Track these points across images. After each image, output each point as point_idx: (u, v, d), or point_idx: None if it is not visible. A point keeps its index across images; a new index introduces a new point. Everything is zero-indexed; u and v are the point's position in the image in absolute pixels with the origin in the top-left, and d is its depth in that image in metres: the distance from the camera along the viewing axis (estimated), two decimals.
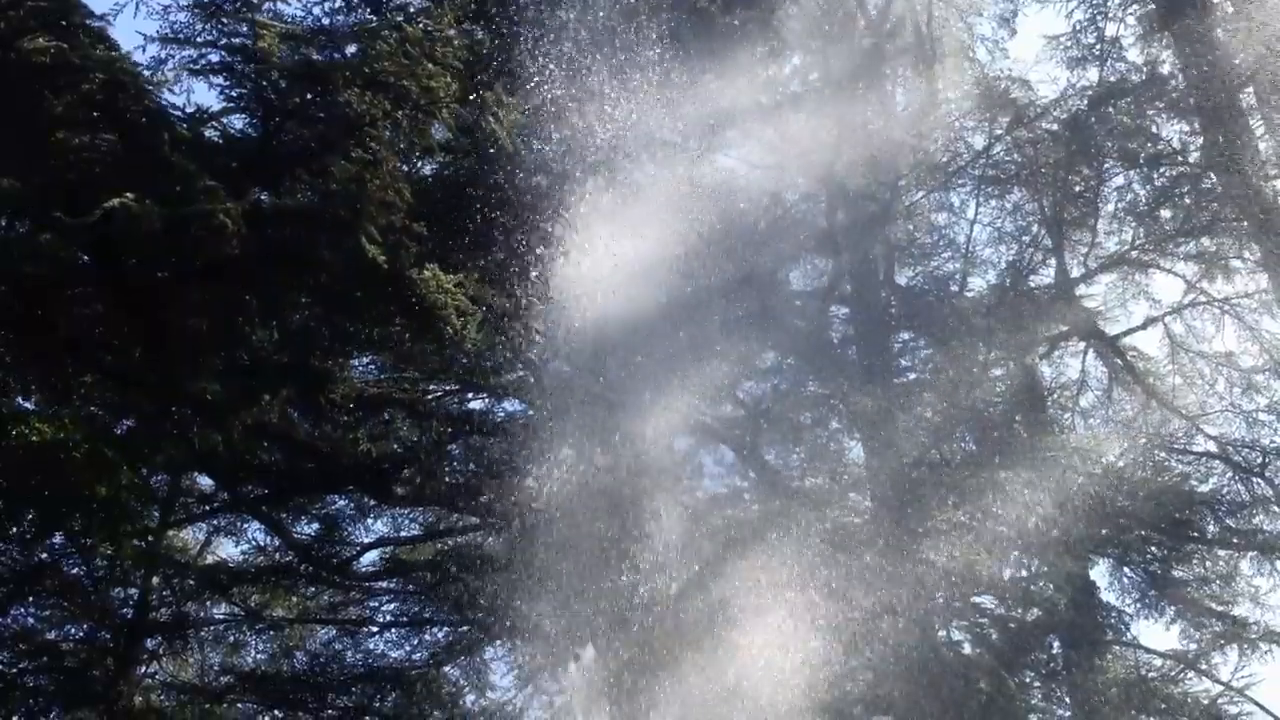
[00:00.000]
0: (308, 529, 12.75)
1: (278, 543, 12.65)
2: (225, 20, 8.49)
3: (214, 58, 8.37)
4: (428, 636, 13.45)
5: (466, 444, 11.97)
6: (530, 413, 11.45)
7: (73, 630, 11.75)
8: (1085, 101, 15.02)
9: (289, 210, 7.59)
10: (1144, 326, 15.11)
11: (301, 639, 13.46)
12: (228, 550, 13.28)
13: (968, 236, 15.79)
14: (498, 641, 13.35)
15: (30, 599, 11.20)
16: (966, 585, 12.87)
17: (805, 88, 15.60)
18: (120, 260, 7.18)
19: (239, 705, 12.81)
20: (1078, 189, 14.84)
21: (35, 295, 7.17)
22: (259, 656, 13.47)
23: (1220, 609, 13.87)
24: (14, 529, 9.43)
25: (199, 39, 8.41)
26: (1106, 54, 15.85)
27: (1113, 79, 15.61)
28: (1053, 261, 15.32)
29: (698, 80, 10.94)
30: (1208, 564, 14.13)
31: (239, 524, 12.73)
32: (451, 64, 8.19)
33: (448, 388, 12.10)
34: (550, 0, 9.90)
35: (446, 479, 11.43)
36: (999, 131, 15.45)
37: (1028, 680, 13.73)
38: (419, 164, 9.26)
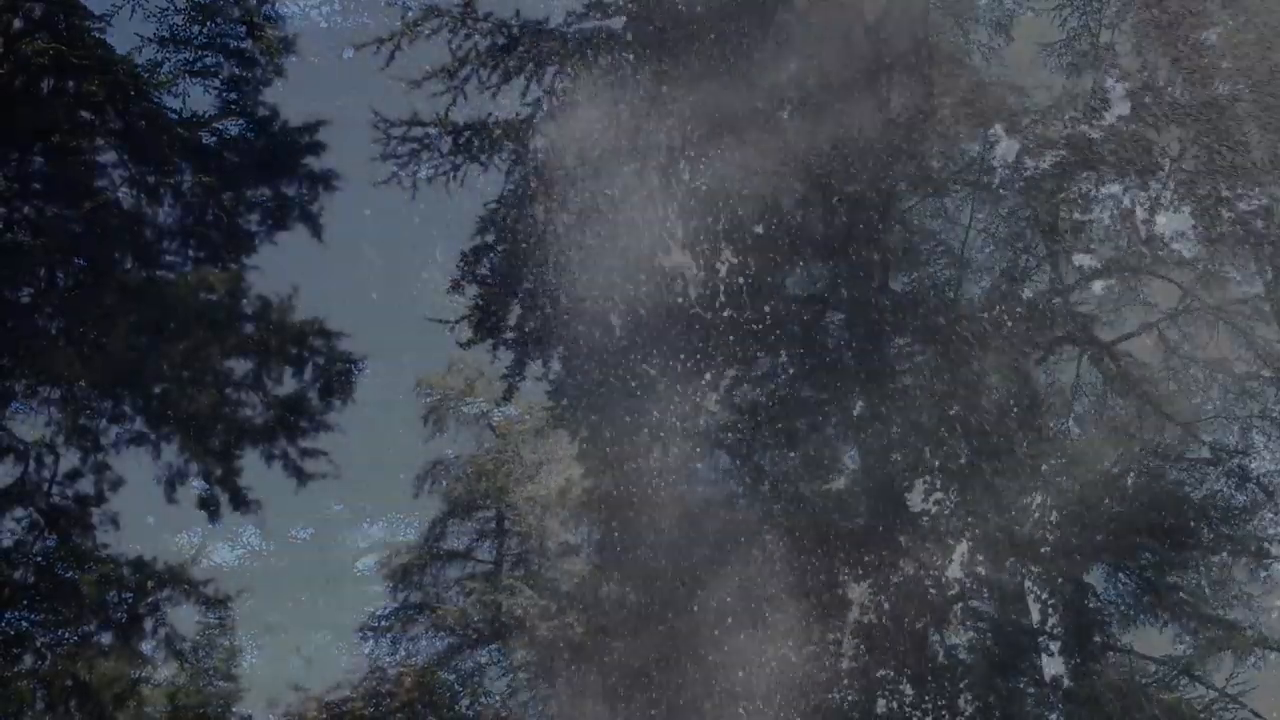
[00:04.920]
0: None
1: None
2: (221, 21, 8.49)
3: (210, 60, 8.38)
4: (423, 641, 13.45)
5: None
6: (526, 418, 11.46)
7: (66, 635, 11.70)
8: (1079, 108, 15.03)
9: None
10: (1138, 333, 15.14)
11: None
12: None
13: (962, 242, 15.80)
14: (492, 646, 13.34)
15: (24, 604, 11.16)
16: (961, 590, 12.89)
17: (802, 93, 15.58)
18: (115, 257, 7.18)
19: (234, 710, 12.80)
20: (1072, 195, 14.84)
21: (36, 295, 7.16)
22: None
23: (1215, 614, 13.88)
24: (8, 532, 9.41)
25: (196, 41, 8.41)
26: (1101, 61, 15.87)
27: (1106, 86, 15.63)
28: (1047, 268, 15.34)
29: (694, 86, 10.95)
30: (1202, 570, 14.16)
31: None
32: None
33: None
34: (546, 7, 9.92)
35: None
36: (994, 137, 15.47)
37: (1021, 686, 13.71)
38: None
